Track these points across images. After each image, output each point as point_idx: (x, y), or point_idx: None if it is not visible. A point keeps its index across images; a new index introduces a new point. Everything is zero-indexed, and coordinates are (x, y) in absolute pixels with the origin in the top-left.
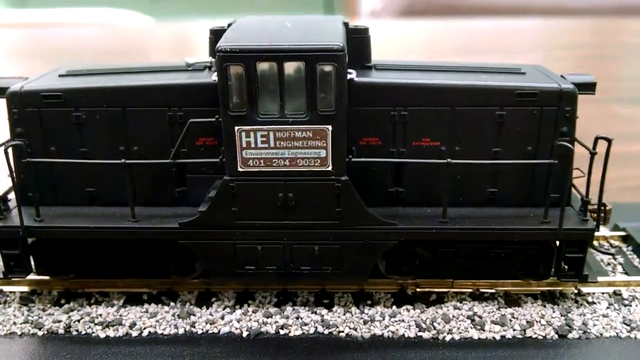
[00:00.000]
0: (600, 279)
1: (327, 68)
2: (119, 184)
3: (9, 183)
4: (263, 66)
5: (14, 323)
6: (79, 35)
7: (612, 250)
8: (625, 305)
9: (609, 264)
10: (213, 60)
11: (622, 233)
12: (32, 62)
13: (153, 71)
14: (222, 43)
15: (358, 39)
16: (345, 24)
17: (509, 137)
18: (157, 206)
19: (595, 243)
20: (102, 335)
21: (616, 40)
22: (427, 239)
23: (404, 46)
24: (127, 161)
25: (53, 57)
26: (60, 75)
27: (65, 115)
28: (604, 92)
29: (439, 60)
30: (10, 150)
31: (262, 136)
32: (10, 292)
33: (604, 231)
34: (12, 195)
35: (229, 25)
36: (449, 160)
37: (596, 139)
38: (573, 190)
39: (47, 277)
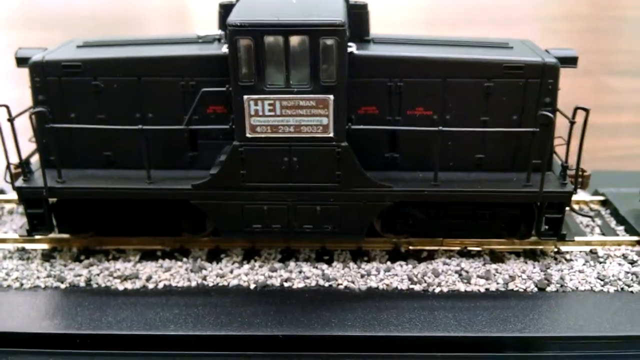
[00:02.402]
0: (577, 238)
1: (329, 42)
2: (134, 149)
3: (29, 148)
4: (270, 40)
5: (38, 277)
6: (72, 3)
7: (591, 213)
8: (600, 263)
9: (587, 225)
10: (222, 32)
11: (602, 198)
12: (30, 32)
13: (165, 43)
14: (232, 18)
15: (358, 14)
16: (346, 0)
17: (496, 107)
18: (170, 169)
19: (576, 207)
20: (120, 287)
21: (613, 14)
22: (419, 200)
23: (403, 18)
24: (143, 127)
25: (49, 25)
26: (78, 47)
27: (84, 84)
28: (598, 64)
29: (434, 34)
30: (32, 116)
31: (269, 105)
32: (33, 249)
33: (584, 196)
34: (33, 159)
35: (237, 0)
36: (441, 128)
37: (575, 110)
38: (555, 156)
39: (67, 236)
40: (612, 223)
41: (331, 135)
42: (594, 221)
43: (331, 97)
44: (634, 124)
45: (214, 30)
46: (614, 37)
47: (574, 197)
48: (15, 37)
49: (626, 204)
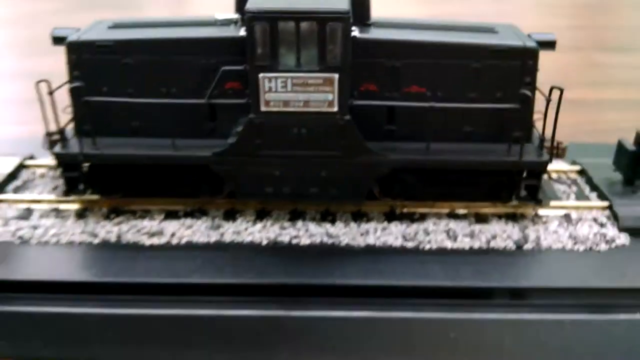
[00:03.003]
0: (553, 203)
1: (335, 27)
2: (159, 119)
3: (65, 118)
4: (283, 25)
5: (73, 234)
6: None
7: (568, 181)
8: (573, 225)
9: (564, 192)
10: (239, 16)
11: (579, 168)
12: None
13: (187, 25)
14: (250, 5)
15: (360, 1)
16: None
17: (482, 85)
18: (192, 138)
19: (555, 175)
20: (147, 242)
21: None
22: (413, 167)
23: None
24: (169, 100)
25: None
26: (109, 27)
27: (115, 62)
28: (590, 41)
29: (430, 17)
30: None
31: (281, 82)
32: (66, 209)
33: (564, 166)
34: (68, 128)
35: None
36: (432, 104)
37: (551, 89)
38: (535, 130)
39: (97, 197)
40: (587, 190)
41: (336, 109)
42: (570, 188)
43: (336, 76)
44: (618, 99)
45: (231, 14)
46: (607, 13)
47: (555, 167)
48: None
49: (600, 173)
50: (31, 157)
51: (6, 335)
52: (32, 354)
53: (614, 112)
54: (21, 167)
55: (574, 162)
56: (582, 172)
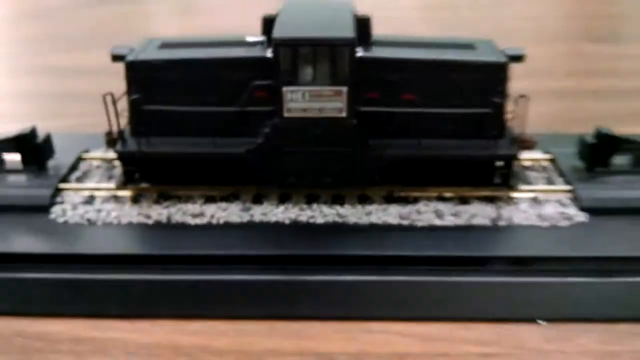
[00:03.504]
0: (523, 187)
1: (343, 50)
2: (201, 122)
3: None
4: (302, 49)
5: (130, 215)
6: None
7: (540, 169)
8: (540, 205)
9: (536, 177)
10: (265, 38)
11: (550, 156)
12: None
13: (222, 45)
14: (276, 34)
15: (363, 25)
16: (355, 15)
17: (463, 93)
18: (227, 137)
19: (529, 164)
20: (192, 222)
21: None
22: (407, 159)
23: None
24: (209, 109)
25: None
26: (159, 47)
27: (165, 77)
28: (578, 30)
29: (421, 36)
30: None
31: (300, 94)
32: (123, 195)
33: (538, 155)
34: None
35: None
36: (423, 109)
37: (518, 97)
38: (510, 128)
39: (149, 185)
40: (555, 176)
41: (344, 115)
42: (541, 174)
43: (344, 88)
44: (598, 88)
45: (258, 36)
46: (604, 2)
47: (530, 156)
48: None
49: (567, 162)
50: (86, 151)
51: (83, 297)
52: (105, 311)
53: (594, 101)
54: (79, 159)
55: (546, 152)
56: (552, 161)
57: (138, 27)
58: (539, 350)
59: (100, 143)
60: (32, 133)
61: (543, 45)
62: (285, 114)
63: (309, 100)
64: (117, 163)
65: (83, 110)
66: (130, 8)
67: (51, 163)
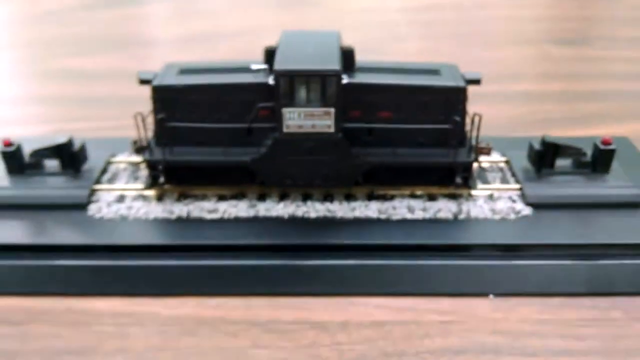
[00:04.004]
0: (480, 186)
1: (332, 80)
2: (214, 135)
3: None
4: (298, 79)
5: (156, 212)
6: None
7: (497, 169)
8: (493, 201)
9: (493, 177)
10: (267, 66)
11: (505, 159)
12: None
13: (232, 71)
14: (277, 66)
15: (348, 55)
16: (341, 47)
17: (430, 111)
18: (236, 147)
19: (488, 165)
20: (208, 217)
21: None
22: (385, 165)
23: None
24: (221, 125)
25: None
26: (178, 73)
27: (184, 99)
28: (546, 33)
29: (396, 62)
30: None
31: (297, 114)
32: (149, 194)
33: (496, 157)
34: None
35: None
36: (397, 125)
37: (473, 115)
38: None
39: (171, 186)
40: (508, 176)
41: (332, 131)
42: (497, 174)
43: (332, 109)
44: (559, 90)
45: (261, 64)
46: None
47: (490, 159)
48: None
49: (519, 164)
50: (113, 155)
51: (120, 279)
52: (138, 291)
53: (553, 104)
54: (108, 163)
55: (503, 154)
56: (507, 162)
57: (143, 30)
58: (487, 318)
59: (121, 147)
60: (70, 142)
61: (514, 49)
62: (284, 130)
63: (303, 119)
64: (141, 166)
65: (102, 113)
66: (136, 11)
67: (84, 167)
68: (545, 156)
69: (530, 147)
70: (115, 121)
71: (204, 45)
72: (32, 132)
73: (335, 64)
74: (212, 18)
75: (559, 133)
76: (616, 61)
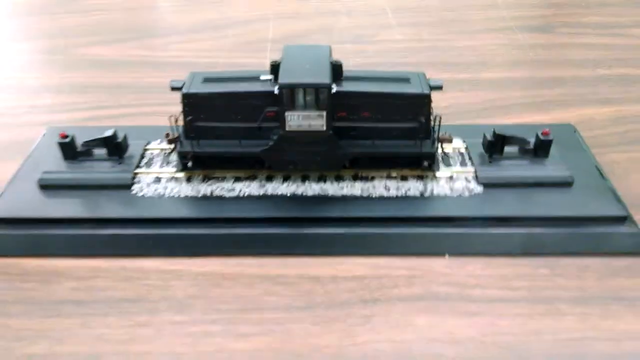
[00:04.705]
0: (443, 169)
1: (324, 90)
2: (233, 132)
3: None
4: (297, 90)
5: (186, 191)
6: None
7: (458, 154)
8: (453, 181)
9: (455, 161)
10: (272, 76)
11: (466, 145)
12: None
13: (245, 80)
14: (280, 80)
15: (337, 68)
16: (331, 62)
17: (401, 113)
18: (249, 140)
19: (451, 150)
20: (227, 195)
21: None
22: (366, 154)
23: None
24: (237, 124)
25: None
26: (202, 82)
27: (208, 103)
28: (517, 20)
29: (375, 71)
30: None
31: (296, 116)
32: (180, 177)
33: (458, 144)
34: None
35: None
36: (376, 124)
37: (435, 115)
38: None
39: (198, 171)
40: (467, 160)
41: (324, 129)
42: (458, 159)
43: (324, 112)
44: (525, 77)
45: (268, 75)
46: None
47: (454, 145)
48: None
49: (477, 150)
50: (148, 143)
51: (160, 245)
52: (175, 254)
53: (516, 90)
54: (145, 150)
55: (464, 141)
56: (467, 149)
57: (156, 18)
58: (442, 273)
59: (152, 135)
60: (115, 134)
61: (489, 34)
62: (287, 128)
63: (301, 120)
64: (173, 155)
65: (127, 100)
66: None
67: (126, 154)
68: (495, 145)
69: (484, 137)
70: (139, 108)
71: (213, 34)
72: (66, 119)
73: (326, 78)
74: (220, 6)
75: (518, 118)
76: (576, 48)
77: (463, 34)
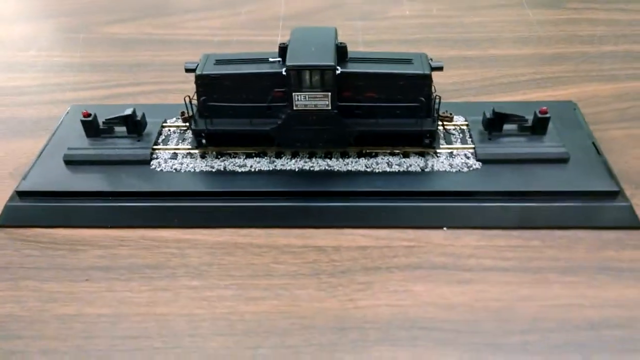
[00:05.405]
0: (443, 145)
1: (329, 71)
2: (242, 111)
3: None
4: (304, 71)
5: (201, 166)
6: None
7: (459, 131)
8: (453, 158)
9: (455, 138)
10: (280, 60)
11: (466, 122)
12: None
13: (255, 62)
14: (288, 62)
15: (342, 49)
16: (336, 44)
17: (404, 92)
18: (259, 119)
19: (452, 128)
20: (239, 170)
21: None
22: (370, 132)
23: None
24: (248, 105)
25: None
26: (215, 64)
27: (220, 83)
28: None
29: (378, 52)
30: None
31: (303, 96)
32: (195, 153)
33: (459, 121)
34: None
35: (287, 43)
36: (379, 103)
37: (435, 95)
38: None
39: (211, 147)
40: (467, 137)
41: (330, 108)
42: (459, 135)
43: (329, 93)
44: (530, 54)
45: (276, 57)
46: None
47: (456, 123)
48: None
49: (477, 127)
50: (165, 121)
51: (177, 216)
52: (191, 224)
53: (522, 67)
54: (162, 127)
55: (465, 119)
56: (467, 126)
57: None
58: (439, 244)
59: (169, 112)
60: (134, 113)
61: (497, 10)
62: (294, 108)
63: (308, 100)
64: (188, 132)
65: (146, 78)
66: None
67: (145, 131)
68: (494, 122)
69: (484, 115)
70: (158, 85)
71: (227, 11)
72: (89, 96)
73: (331, 60)
74: None
75: (522, 95)
76: (582, 23)
77: (472, 10)
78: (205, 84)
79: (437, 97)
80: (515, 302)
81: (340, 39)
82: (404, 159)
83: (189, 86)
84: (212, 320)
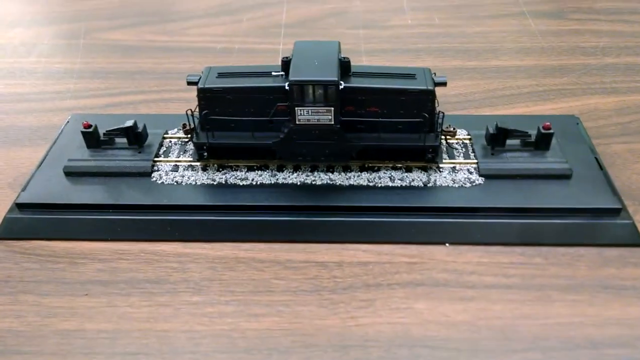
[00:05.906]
0: (445, 160)
1: (332, 86)
2: (244, 124)
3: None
4: (306, 86)
5: (202, 179)
6: None
7: (462, 145)
8: (455, 173)
9: (458, 152)
10: (283, 73)
11: (470, 136)
12: None
13: (258, 75)
14: (290, 76)
15: (345, 64)
16: (339, 58)
17: (406, 108)
18: (261, 132)
19: (455, 142)
20: (240, 183)
21: None
22: (372, 146)
23: None
24: (250, 118)
25: None
26: (217, 77)
27: (222, 97)
28: (527, 5)
29: (382, 66)
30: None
31: (305, 111)
32: (196, 165)
33: (462, 135)
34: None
35: (290, 58)
36: (381, 119)
37: (438, 112)
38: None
39: (213, 160)
40: (470, 151)
41: (332, 123)
42: (462, 150)
43: (332, 107)
44: (531, 66)
45: (279, 71)
46: None
47: (459, 137)
48: None
49: (480, 141)
50: (166, 132)
51: (179, 229)
52: (192, 238)
53: (523, 79)
54: (163, 138)
55: (468, 133)
56: (470, 140)
57: (171, 2)
58: (441, 260)
59: (169, 123)
60: (135, 125)
61: (498, 20)
62: (297, 122)
63: (311, 114)
64: (190, 143)
65: (147, 86)
66: None
67: (146, 143)
68: (497, 138)
69: (487, 130)
70: (159, 94)
71: (229, 17)
72: (89, 104)
73: (334, 75)
74: None
75: (524, 108)
76: (585, 34)
77: (475, 19)
78: (208, 98)
79: (441, 112)
80: (517, 320)
81: (342, 47)
82: (406, 174)
83: (191, 95)
84: (213, 337)
